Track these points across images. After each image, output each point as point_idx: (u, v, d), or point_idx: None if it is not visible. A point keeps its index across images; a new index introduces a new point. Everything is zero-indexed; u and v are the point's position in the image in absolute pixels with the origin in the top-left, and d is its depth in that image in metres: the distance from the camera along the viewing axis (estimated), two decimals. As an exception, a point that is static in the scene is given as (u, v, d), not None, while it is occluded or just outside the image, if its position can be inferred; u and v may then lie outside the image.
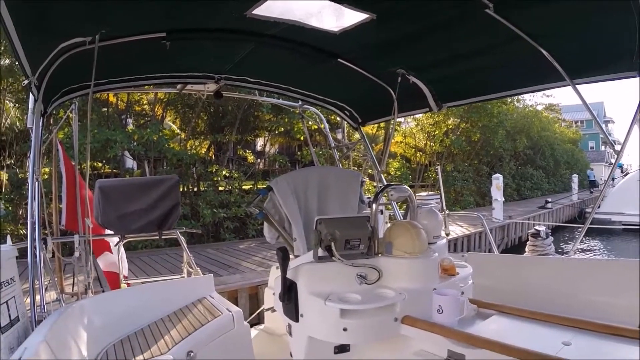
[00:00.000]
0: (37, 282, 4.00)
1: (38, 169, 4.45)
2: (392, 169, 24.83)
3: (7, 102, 18.92)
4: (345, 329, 3.18)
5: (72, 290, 6.46)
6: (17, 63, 16.15)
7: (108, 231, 6.13)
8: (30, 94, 4.51)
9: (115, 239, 6.14)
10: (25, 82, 4.06)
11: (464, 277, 3.83)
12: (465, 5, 3.62)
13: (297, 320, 3.41)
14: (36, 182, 4.36)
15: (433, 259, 3.61)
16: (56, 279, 5.90)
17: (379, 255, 3.61)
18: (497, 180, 20.05)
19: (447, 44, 4.35)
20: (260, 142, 27.72)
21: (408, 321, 3.28)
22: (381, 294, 3.34)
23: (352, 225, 3.56)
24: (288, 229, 4.48)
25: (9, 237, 10.72)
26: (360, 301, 3.23)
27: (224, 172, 19.81)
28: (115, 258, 6.44)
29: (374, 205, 3.75)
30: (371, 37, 4.25)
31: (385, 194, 4.22)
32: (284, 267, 3.41)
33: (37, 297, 3.92)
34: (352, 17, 3.78)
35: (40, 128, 4.57)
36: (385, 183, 6.37)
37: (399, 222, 3.95)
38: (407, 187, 4.20)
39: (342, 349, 3.47)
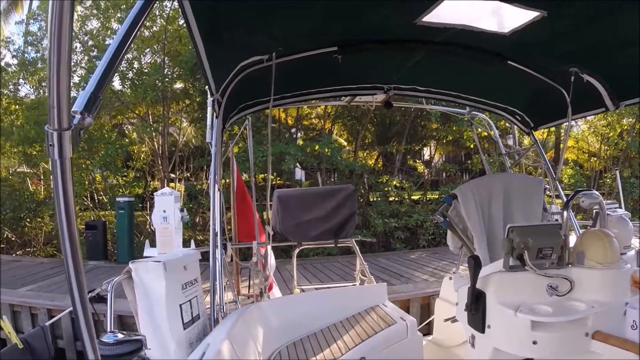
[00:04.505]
0: (217, 284, 4.24)
1: (219, 181, 4.73)
2: (566, 176, 23.52)
3: (183, 120, 20.48)
4: (535, 342, 3.08)
5: (248, 292, 6.79)
6: (190, 86, 17.60)
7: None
8: (209, 112, 4.80)
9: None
10: (210, 99, 4.35)
11: None
12: None
13: (482, 331, 3.34)
14: (218, 193, 4.63)
15: (625, 270, 3.36)
16: (233, 282, 6.21)
17: (569, 265, 3.44)
18: (681, 187, 18.35)
19: (623, 36, 3.99)
20: (427, 152, 27.51)
21: (599, 337, 3.09)
22: (572, 307, 3.20)
23: (544, 233, 3.43)
24: (471, 238, 4.39)
25: (192, 241, 11.52)
26: (552, 313, 3.11)
27: (394, 182, 19.83)
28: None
29: (565, 213, 3.58)
30: (542, 36, 4.01)
31: (575, 201, 3.99)
32: (474, 277, 3.34)
33: (216, 297, 4.16)
34: (522, 16, 3.59)
35: (221, 142, 4.84)
36: (560, 191, 6.04)
37: (590, 231, 3.73)
38: (597, 193, 3.95)
39: None
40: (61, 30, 1.26)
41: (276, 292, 6.59)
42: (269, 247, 6.06)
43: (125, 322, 8.16)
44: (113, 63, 1.67)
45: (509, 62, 4.73)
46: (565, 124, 5.65)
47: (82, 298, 1.43)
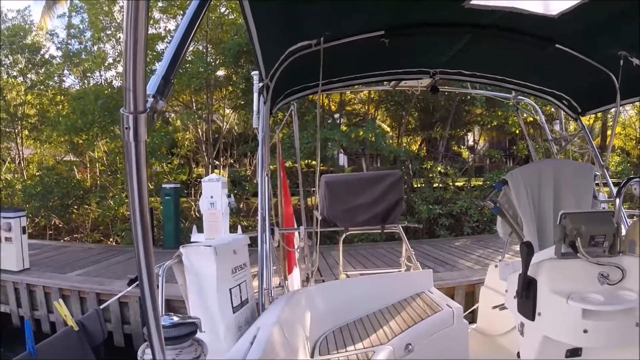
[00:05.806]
0: (265, 268, 4.28)
1: (267, 166, 4.76)
2: (613, 163, 22.97)
3: (225, 108, 20.63)
4: (585, 331, 3.03)
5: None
6: (233, 73, 17.68)
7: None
8: (255, 97, 4.82)
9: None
10: (260, 84, 4.37)
11: None
12: None
13: (532, 318, 3.29)
14: (266, 178, 4.66)
15: None
16: (280, 267, 6.25)
17: (621, 254, 3.36)
18: None
19: None
20: (470, 137, 27.19)
21: None
22: (623, 296, 3.13)
23: (597, 220, 3.35)
24: (521, 225, 4.34)
25: (239, 227, 11.56)
26: (603, 302, 3.05)
27: (438, 169, 19.72)
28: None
29: (617, 200, 3.51)
30: (591, 18, 3.92)
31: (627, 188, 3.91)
32: (526, 263, 3.29)
33: (264, 282, 4.21)
34: None
35: (268, 128, 4.87)
36: (608, 179, 5.91)
37: None
38: None
39: (574, 352, 3.31)
40: (137, 13, 1.27)
41: (295, 275, 6.60)
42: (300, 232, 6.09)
43: (173, 306, 8.30)
44: (183, 44, 1.69)
45: (556, 45, 4.64)
46: (613, 109, 5.49)
47: (151, 280, 1.46)
